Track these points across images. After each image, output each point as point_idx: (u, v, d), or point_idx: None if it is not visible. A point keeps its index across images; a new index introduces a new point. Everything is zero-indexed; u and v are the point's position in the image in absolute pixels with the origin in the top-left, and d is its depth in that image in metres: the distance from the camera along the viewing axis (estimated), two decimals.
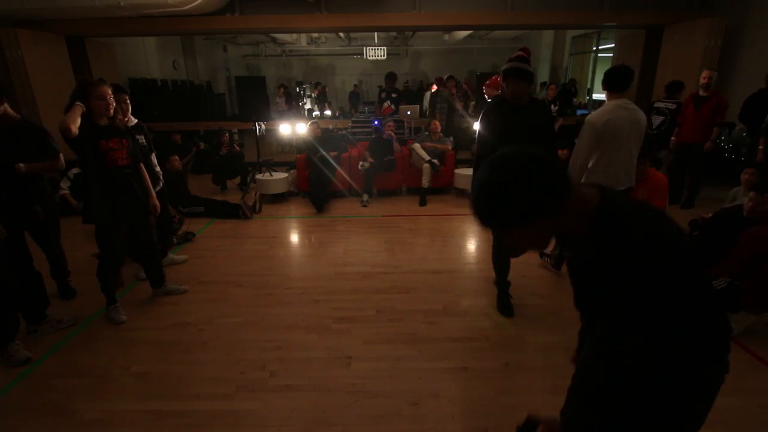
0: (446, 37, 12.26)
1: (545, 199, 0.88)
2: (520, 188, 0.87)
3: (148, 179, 2.86)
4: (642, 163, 3.33)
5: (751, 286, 2.43)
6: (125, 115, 3.15)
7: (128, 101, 3.15)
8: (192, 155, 7.17)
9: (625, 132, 2.61)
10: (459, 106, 6.61)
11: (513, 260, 3.65)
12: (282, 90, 9.75)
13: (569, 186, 0.90)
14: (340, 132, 7.17)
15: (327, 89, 13.66)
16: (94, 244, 3.96)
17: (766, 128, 4.30)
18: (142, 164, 2.82)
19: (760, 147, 4.36)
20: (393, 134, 5.80)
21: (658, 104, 5.11)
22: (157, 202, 2.88)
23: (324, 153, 5.35)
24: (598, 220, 0.91)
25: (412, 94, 10.77)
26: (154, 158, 3.38)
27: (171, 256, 3.66)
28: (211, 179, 6.26)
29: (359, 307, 2.93)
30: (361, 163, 5.44)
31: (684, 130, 4.79)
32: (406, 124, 7.01)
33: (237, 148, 6.38)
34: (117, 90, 3.09)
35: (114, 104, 2.55)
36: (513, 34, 12.74)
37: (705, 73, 4.58)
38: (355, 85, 13.94)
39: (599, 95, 10.51)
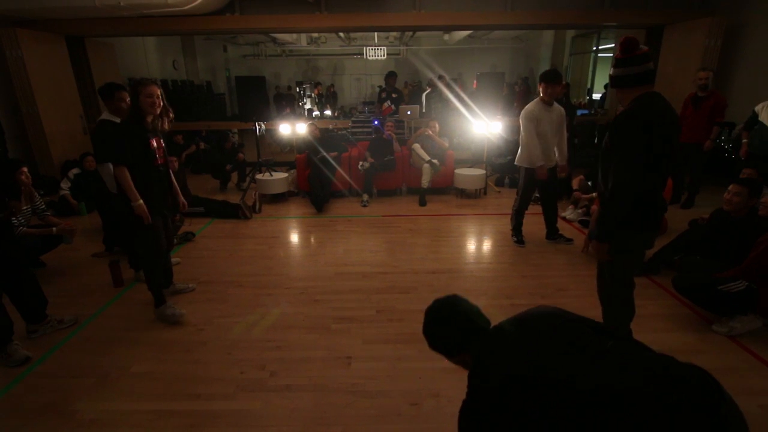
0: (446, 37, 12.26)
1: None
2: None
3: (174, 178, 2.95)
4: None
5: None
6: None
7: (128, 100, 3.13)
8: (191, 150, 7.15)
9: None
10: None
11: (515, 257, 3.67)
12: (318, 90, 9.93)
13: None
14: (340, 132, 7.17)
15: (333, 88, 13.77)
16: (95, 244, 3.99)
17: (748, 123, 4.45)
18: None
19: (744, 141, 4.50)
20: (393, 134, 5.80)
21: None
22: (184, 200, 2.98)
23: (324, 153, 5.35)
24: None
25: (437, 96, 10.35)
26: None
27: None
28: (212, 175, 6.26)
29: (359, 307, 2.93)
30: (361, 163, 5.45)
31: (683, 131, 4.80)
32: (406, 124, 7.02)
33: (241, 156, 6.37)
34: (119, 88, 3.11)
35: (161, 104, 2.60)
36: (513, 34, 12.75)
37: (702, 74, 4.59)
38: (331, 86, 14.05)
39: (599, 95, 10.51)
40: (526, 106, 3.63)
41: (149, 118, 2.59)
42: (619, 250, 2.04)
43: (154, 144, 2.64)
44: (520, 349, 1.17)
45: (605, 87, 9.58)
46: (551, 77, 3.50)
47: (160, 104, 2.59)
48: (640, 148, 1.82)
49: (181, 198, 2.97)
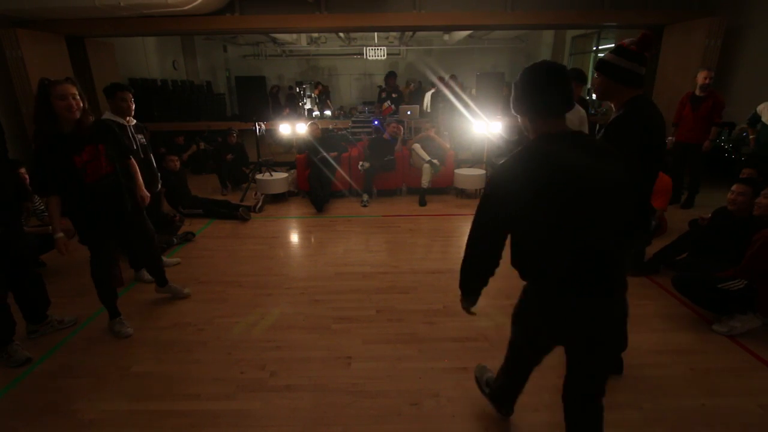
0: (446, 37, 12.26)
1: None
2: None
3: (138, 173, 2.70)
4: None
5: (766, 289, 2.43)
6: (128, 114, 3.14)
7: (132, 100, 3.13)
8: (191, 150, 7.15)
9: None
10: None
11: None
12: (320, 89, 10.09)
13: None
14: (340, 132, 7.17)
15: (328, 88, 13.79)
16: None
17: (750, 120, 4.63)
18: (131, 160, 2.64)
19: (752, 136, 4.68)
20: (400, 129, 5.84)
21: None
22: (145, 193, 2.73)
23: (324, 153, 5.35)
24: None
25: (442, 96, 10.18)
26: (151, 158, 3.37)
27: (164, 259, 3.50)
28: (219, 176, 6.25)
29: (359, 307, 2.93)
30: (361, 162, 5.45)
31: (682, 130, 4.81)
32: (406, 124, 7.02)
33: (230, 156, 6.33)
34: (121, 88, 3.10)
35: (80, 105, 2.18)
36: (513, 34, 12.74)
37: (704, 74, 4.54)
38: (325, 86, 14.11)
39: None
40: None
41: (67, 127, 2.16)
42: None
43: (85, 157, 2.20)
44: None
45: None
46: (583, 77, 3.34)
47: (79, 105, 2.15)
48: (638, 152, 1.76)
49: (141, 191, 2.66)
